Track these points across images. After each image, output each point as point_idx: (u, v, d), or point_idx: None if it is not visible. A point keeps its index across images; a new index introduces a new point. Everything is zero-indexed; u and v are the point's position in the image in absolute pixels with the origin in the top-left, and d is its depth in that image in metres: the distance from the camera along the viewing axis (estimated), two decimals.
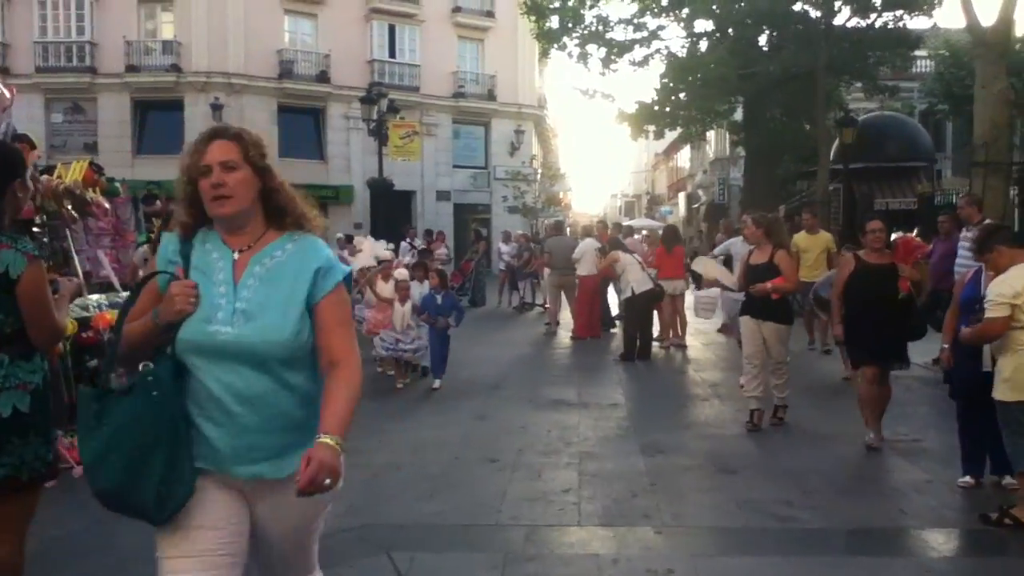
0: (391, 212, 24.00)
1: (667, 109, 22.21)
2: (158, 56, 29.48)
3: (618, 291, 13.18)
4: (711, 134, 41.93)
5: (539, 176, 39.48)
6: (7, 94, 7.68)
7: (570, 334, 13.87)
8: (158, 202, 8.99)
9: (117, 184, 8.30)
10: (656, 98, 22.21)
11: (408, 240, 19.59)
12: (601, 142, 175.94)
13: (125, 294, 6.67)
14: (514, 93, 34.94)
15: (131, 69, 28.92)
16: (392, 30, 31.90)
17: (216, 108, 28.15)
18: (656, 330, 13.33)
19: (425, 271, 9.99)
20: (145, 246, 9.51)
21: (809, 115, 22.32)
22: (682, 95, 21.98)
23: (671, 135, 30.53)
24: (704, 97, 21.02)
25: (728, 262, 12.74)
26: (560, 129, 56.71)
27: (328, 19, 30.90)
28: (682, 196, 54.68)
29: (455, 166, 33.78)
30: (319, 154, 31.07)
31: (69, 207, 7.27)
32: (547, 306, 16.15)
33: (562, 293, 14.75)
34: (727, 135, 37.57)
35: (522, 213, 32.65)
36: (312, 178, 29.67)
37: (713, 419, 7.89)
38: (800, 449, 6.70)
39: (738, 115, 25.43)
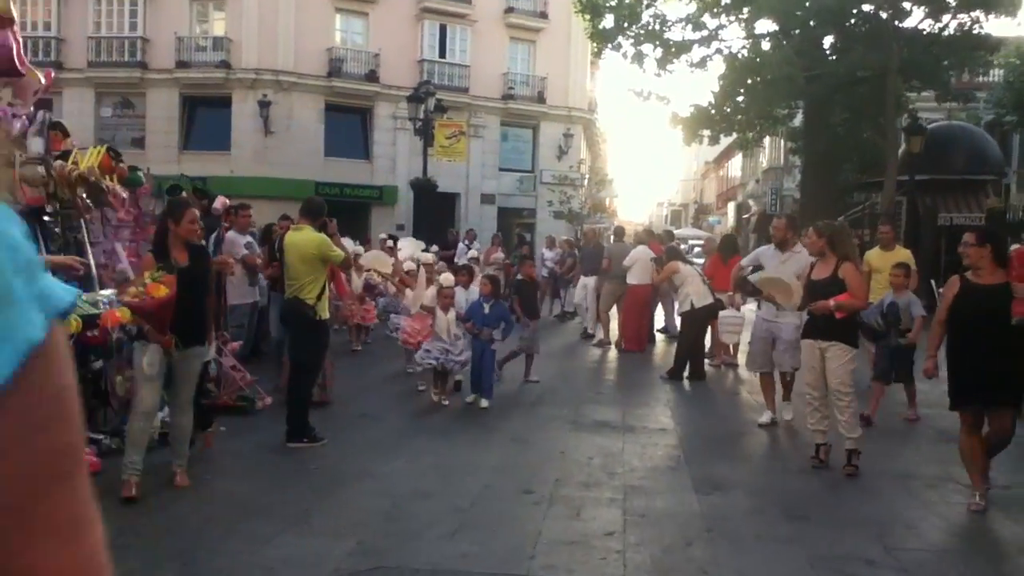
0: (434, 214, 23.49)
1: (727, 110, 21.32)
2: (208, 52, 29.29)
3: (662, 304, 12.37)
4: (766, 142, 40.99)
5: (586, 181, 38.79)
6: (42, 79, 7.22)
7: (610, 345, 13.30)
8: (183, 194, 8.49)
9: (140, 173, 7.80)
10: (713, 101, 21.39)
11: (466, 242, 19.04)
12: (650, 149, 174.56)
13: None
14: (564, 96, 34.21)
15: (181, 65, 28.78)
16: (443, 30, 31.41)
17: (264, 105, 28.06)
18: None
19: (470, 276, 9.38)
20: None
21: (873, 122, 21.30)
22: (740, 98, 21.11)
23: (724, 142, 29.62)
24: (765, 100, 20.10)
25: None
26: (609, 134, 55.92)
27: (379, 18, 30.51)
28: (731, 206, 53.52)
29: (501, 169, 33.12)
30: (365, 154, 30.68)
31: (84, 195, 6.79)
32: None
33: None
34: (782, 143, 36.51)
35: (567, 219, 31.93)
36: (357, 178, 29.64)
37: (774, 451, 7.16)
38: (879, 493, 5.92)
39: (796, 121, 24.46)
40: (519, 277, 11.41)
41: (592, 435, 7.47)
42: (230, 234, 9.34)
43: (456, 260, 14.78)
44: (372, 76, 30.07)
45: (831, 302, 6.22)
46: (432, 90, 21.80)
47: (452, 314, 8.49)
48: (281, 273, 7.16)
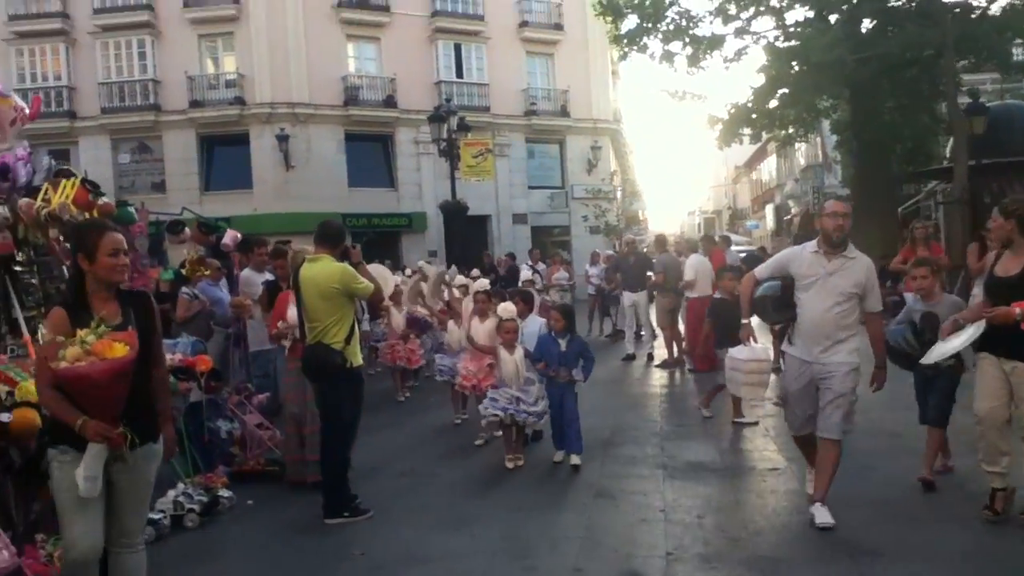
0: (466, 237, 22.37)
1: (770, 105, 19.96)
2: (222, 90, 28.61)
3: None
4: (799, 143, 39.55)
5: (619, 194, 37.57)
6: (22, 105, 6.13)
7: (680, 363, 12.10)
8: (187, 230, 7.39)
9: (132, 209, 6.68)
10: (752, 97, 20.08)
11: (530, 264, 17.48)
12: (676, 157, 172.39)
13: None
14: (588, 108, 33.10)
15: (195, 105, 28.09)
16: (458, 49, 30.45)
17: (282, 139, 27.29)
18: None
19: (528, 304, 7.94)
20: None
21: (926, 105, 19.86)
22: (782, 90, 19.75)
23: (755, 146, 28.21)
24: (813, 87, 18.65)
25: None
26: (634, 145, 54.70)
27: (392, 42, 29.61)
28: (769, 208, 51.91)
29: (531, 187, 32.04)
30: (389, 182, 29.81)
31: (61, 238, 5.66)
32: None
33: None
34: (819, 140, 35.08)
35: (604, 233, 30.71)
36: (383, 207, 28.77)
37: (920, 491, 5.70)
38: None
39: (836, 115, 23.04)
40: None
41: (691, 482, 6.17)
42: (246, 272, 8.18)
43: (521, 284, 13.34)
44: (390, 102, 29.20)
45: (1016, 309, 4.71)
46: (454, 108, 20.75)
47: (519, 352, 6.95)
48: (300, 322, 5.72)
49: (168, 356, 5.13)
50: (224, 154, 28.78)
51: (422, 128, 26.60)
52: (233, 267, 8.40)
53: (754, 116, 20.55)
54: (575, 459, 6.69)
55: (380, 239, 25.52)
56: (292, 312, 6.10)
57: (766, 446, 7.17)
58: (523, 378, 6.88)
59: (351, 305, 5.53)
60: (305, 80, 28.28)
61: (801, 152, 41.02)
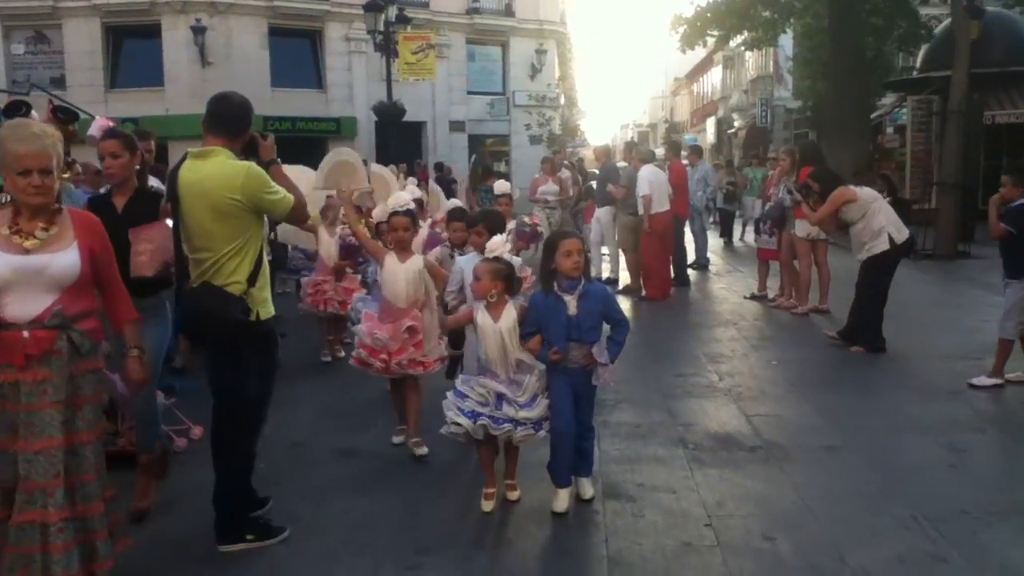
0: (400, 145, 20.45)
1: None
2: None
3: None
4: (748, 54, 37.94)
5: (562, 101, 35.70)
6: None
7: (625, 291, 10.86)
8: (35, 114, 5.44)
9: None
10: None
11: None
12: (611, 67, 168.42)
13: None
14: (534, 7, 30.92)
15: None
16: None
17: (198, 32, 24.87)
18: (772, 289, 10.01)
19: (489, 229, 4.91)
20: None
21: (907, 8, 18.44)
22: None
23: (700, 56, 26.50)
24: None
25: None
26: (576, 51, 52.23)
27: None
28: (711, 121, 50.47)
29: (470, 92, 30.01)
30: (317, 82, 27.57)
31: None
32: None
33: None
34: (771, 52, 33.50)
35: (547, 143, 28.91)
36: (310, 110, 26.74)
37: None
38: None
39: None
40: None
41: (728, 470, 4.58)
42: None
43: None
44: None
45: None
46: None
47: (511, 315, 4.09)
48: (178, 252, 3.78)
49: None
50: (133, 47, 26.43)
51: (355, 24, 24.76)
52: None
53: (727, 12, 18.68)
54: (588, 489, 4.23)
55: (305, 145, 23.46)
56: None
57: (803, 412, 5.62)
58: (513, 361, 4.09)
59: (259, 226, 3.69)
60: None
61: (751, 63, 39.50)
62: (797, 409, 5.69)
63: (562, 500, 4.06)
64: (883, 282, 7.25)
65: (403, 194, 5.23)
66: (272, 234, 6.98)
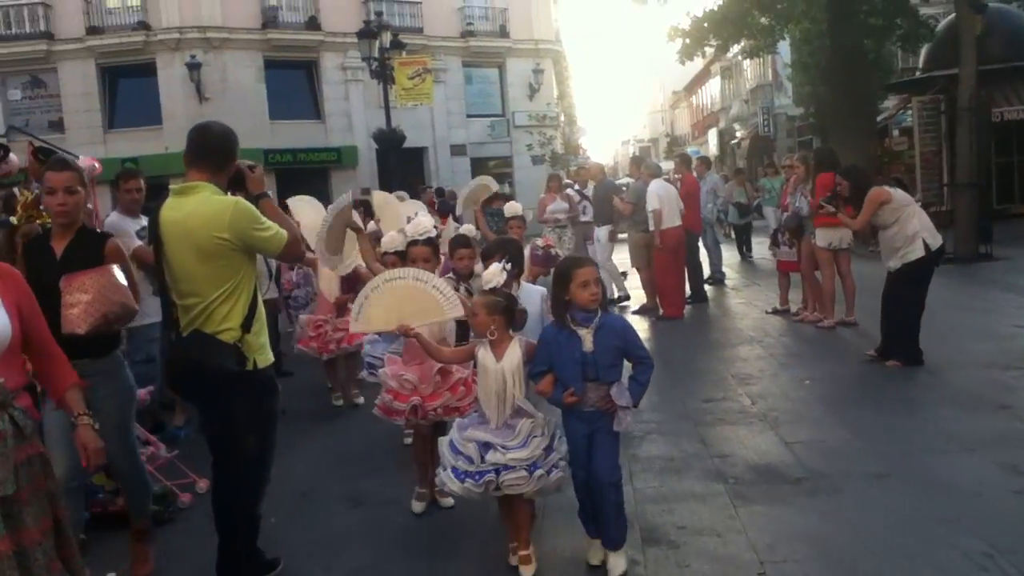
0: (403, 172, 20.15)
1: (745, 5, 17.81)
2: (123, 14, 25.65)
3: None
4: (746, 63, 37.66)
5: (562, 120, 35.46)
6: None
7: (641, 311, 10.57)
8: (12, 156, 5.14)
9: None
10: (720, 2, 18.00)
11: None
12: (608, 84, 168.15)
13: None
14: (529, 28, 30.78)
15: (93, 31, 25.28)
16: None
17: (193, 68, 24.75)
18: (794, 303, 9.65)
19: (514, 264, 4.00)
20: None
21: (906, 8, 18.15)
22: None
23: (697, 68, 26.21)
24: None
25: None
26: (572, 69, 52.05)
27: None
28: (712, 133, 50.17)
29: (469, 115, 29.79)
30: (316, 113, 27.39)
31: None
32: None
33: None
34: (770, 58, 33.23)
35: (550, 163, 28.62)
36: (309, 140, 26.54)
37: None
38: None
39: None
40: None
41: (776, 507, 4.17)
42: (113, 217, 5.84)
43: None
44: (313, 23, 26.63)
45: None
46: (385, 22, 18.30)
47: (516, 352, 3.60)
48: (163, 298, 3.46)
49: None
50: (129, 87, 26.22)
51: (349, 53, 24.67)
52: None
53: (725, 22, 18.40)
54: (619, 565, 3.54)
55: (307, 176, 23.26)
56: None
57: (849, 438, 5.18)
58: (511, 406, 3.55)
59: (251, 266, 3.37)
60: (217, 0, 25.39)
61: (749, 72, 39.27)
62: (838, 432, 5.29)
63: (596, 552, 3.64)
64: (919, 292, 6.87)
65: (424, 219, 4.69)
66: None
